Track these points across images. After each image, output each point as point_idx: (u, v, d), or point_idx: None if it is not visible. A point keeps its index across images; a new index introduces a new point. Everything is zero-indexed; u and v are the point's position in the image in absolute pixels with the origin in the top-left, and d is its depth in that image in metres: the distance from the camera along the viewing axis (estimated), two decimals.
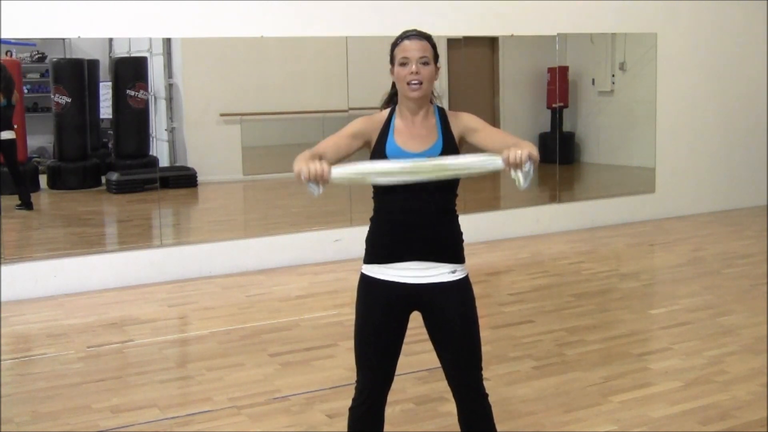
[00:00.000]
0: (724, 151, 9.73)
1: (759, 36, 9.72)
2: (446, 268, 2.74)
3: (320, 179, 2.50)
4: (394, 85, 2.80)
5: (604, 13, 8.83)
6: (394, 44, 2.75)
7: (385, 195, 2.73)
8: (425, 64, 2.70)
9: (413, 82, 2.69)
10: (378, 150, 2.73)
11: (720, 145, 9.70)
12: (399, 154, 2.70)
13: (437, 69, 2.75)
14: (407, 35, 2.73)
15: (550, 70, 9.28)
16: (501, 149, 2.58)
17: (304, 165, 2.50)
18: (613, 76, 9.80)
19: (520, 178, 2.49)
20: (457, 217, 2.79)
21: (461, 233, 2.80)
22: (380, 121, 2.78)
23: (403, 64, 2.70)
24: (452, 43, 8.25)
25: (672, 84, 9.26)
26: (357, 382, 2.84)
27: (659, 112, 9.25)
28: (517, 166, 2.47)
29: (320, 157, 2.62)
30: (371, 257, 2.78)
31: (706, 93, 9.53)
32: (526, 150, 2.47)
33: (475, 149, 2.72)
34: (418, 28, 2.78)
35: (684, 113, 9.41)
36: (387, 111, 2.81)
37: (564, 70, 9.55)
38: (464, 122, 2.78)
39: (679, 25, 9.25)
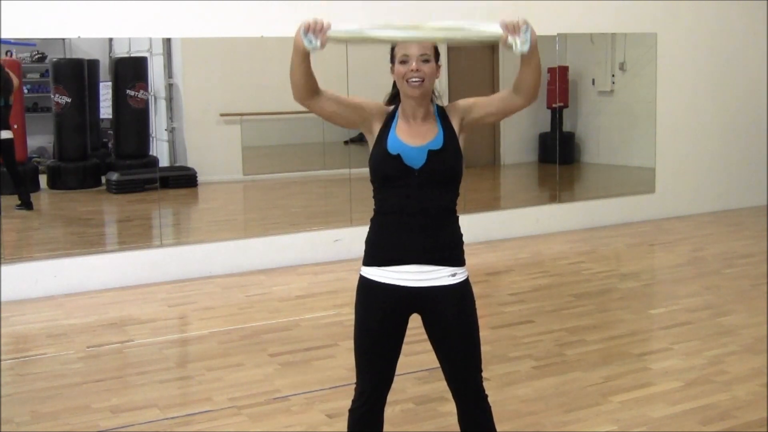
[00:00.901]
0: (724, 151, 9.73)
1: (759, 36, 9.72)
2: (446, 271, 2.73)
3: (319, 30, 2.53)
4: (395, 85, 2.80)
5: (604, 13, 8.82)
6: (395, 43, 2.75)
7: (384, 193, 2.72)
8: (426, 61, 2.69)
9: (414, 79, 2.68)
10: (379, 144, 2.72)
11: (720, 145, 9.70)
12: (400, 147, 2.69)
13: (438, 67, 2.74)
14: None
15: (550, 70, 9.28)
16: (496, 100, 2.73)
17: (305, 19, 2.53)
18: (613, 76, 9.80)
19: (517, 42, 2.51)
20: (457, 218, 2.78)
21: (461, 235, 2.79)
22: (386, 112, 2.78)
23: (403, 62, 2.70)
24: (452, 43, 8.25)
25: (672, 84, 9.26)
26: (357, 384, 2.83)
27: (659, 112, 9.25)
28: (515, 30, 2.50)
29: (320, 91, 2.69)
30: (371, 259, 2.76)
31: (706, 93, 9.53)
32: (523, 18, 2.51)
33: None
34: None
35: (684, 113, 9.41)
36: (391, 107, 2.81)
37: (564, 70, 9.55)
38: (460, 107, 2.79)
39: (679, 25, 9.25)
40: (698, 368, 4.67)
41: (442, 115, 2.77)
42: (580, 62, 9.89)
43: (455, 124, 2.76)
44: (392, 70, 2.75)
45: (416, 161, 2.68)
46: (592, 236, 8.47)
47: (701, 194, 9.59)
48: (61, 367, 4.88)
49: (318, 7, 7.42)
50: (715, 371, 4.62)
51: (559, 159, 9.19)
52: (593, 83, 9.99)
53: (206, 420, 4.07)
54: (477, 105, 2.78)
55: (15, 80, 7.59)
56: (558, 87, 9.52)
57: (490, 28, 2.55)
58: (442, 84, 2.86)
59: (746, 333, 5.29)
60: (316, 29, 2.55)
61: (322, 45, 2.56)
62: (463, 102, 2.80)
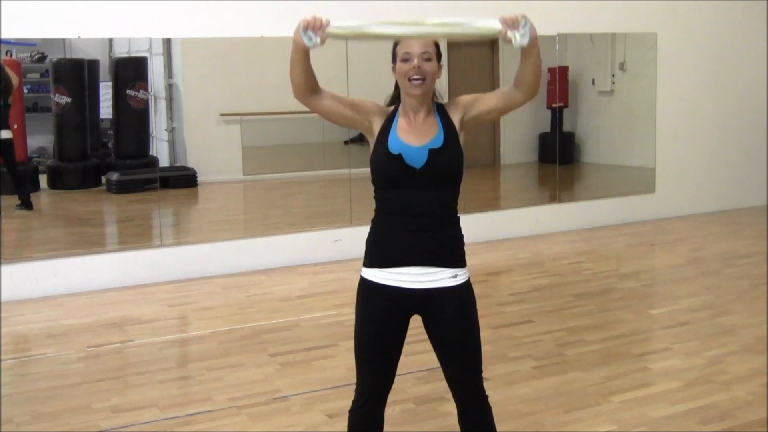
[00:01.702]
0: (724, 151, 9.73)
1: (759, 36, 9.71)
2: (447, 272, 2.72)
3: (318, 28, 2.55)
4: (396, 87, 2.79)
5: (604, 13, 8.82)
6: (396, 41, 2.74)
7: (386, 193, 2.72)
8: (428, 60, 2.69)
9: (415, 77, 2.68)
10: (380, 143, 2.72)
11: (720, 145, 9.70)
12: (401, 147, 2.68)
13: (440, 67, 2.74)
14: None
15: (550, 70, 9.28)
16: (498, 96, 2.74)
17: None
18: (613, 76, 9.80)
19: (517, 36, 2.53)
20: (458, 219, 2.78)
21: (462, 236, 2.78)
22: (386, 112, 2.78)
23: (405, 60, 2.69)
24: (452, 43, 8.25)
25: (672, 84, 9.26)
26: (357, 384, 2.83)
27: (659, 112, 9.25)
28: (514, 25, 2.52)
29: (319, 89, 2.71)
30: (371, 260, 2.76)
31: (706, 93, 9.53)
32: (522, 13, 2.54)
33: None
34: None
35: (684, 113, 9.41)
36: (392, 107, 2.81)
37: (564, 70, 9.55)
38: (461, 103, 2.79)
39: (679, 25, 9.25)
40: (698, 368, 4.67)
41: (443, 112, 2.77)
42: (580, 62, 9.89)
43: (456, 121, 2.75)
44: (394, 68, 2.75)
45: (417, 161, 2.67)
46: (592, 236, 8.47)
47: (701, 194, 9.59)
48: (61, 367, 4.88)
49: (318, 6, 7.44)
50: (715, 371, 4.62)
51: (559, 159, 9.19)
52: (593, 83, 9.99)
53: (206, 420, 4.07)
54: (478, 101, 2.78)
55: (15, 79, 7.58)
56: (558, 87, 9.52)
57: (489, 23, 2.57)
58: (442, 83, 2.85)
59: (746, 333, 5.29)
60: (315, 26, 2.56)
61: (322, 41, 2.58)
62: (464, 98, 2.80)
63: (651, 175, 9.30)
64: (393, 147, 2.69)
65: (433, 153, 2.68)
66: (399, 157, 2.68)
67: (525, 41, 2.53)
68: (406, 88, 2.71)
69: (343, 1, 7.42)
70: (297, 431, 3.95)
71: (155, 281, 6.79)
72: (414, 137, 2.71)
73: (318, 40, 2.56)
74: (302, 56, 2.63)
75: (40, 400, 4.38)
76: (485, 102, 2.78)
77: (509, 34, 2.53)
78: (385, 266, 2.72)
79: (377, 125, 2.76)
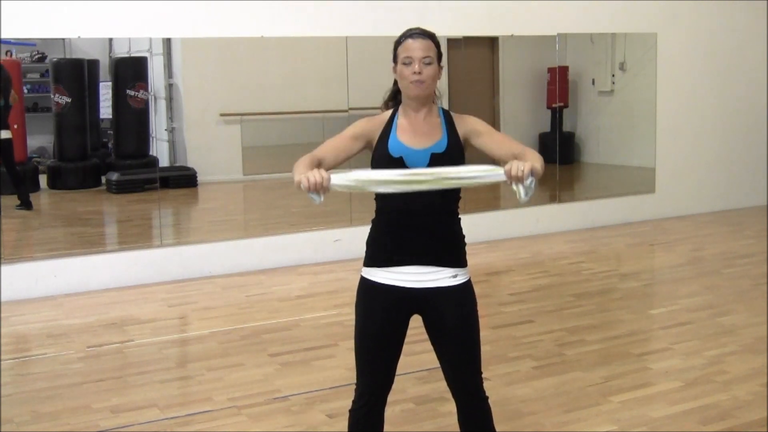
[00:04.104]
0: (724, 151, 9.73)
1: (759, 36, 9.72)
2: (448, 272, 2.72)
3: (320, 189, 2.49)
4: (395, 83, 2.79)
5: (604, 13, 8.83)
6: (398, 42, 2.74)
7: (386, 195, 2.71)
8: (428, 63, 2.69)
9: (416, 79, 2.68)
10: (381, 148, 2.71)
11: (720, 145, 9.70)
12: (402, 150, 2.68)
13: (440, 68, 2.74)
14: (411, 34, 2.72)
15: (550, 70, 9.28)
16: (506, 156, 2.60)
17: (303, 175, 2.49)
18: (613, 76, 9.80)
19: (521, 191, 2.49)
20: (459, 219, 2.78)
21: (463, 236, 2.78)
22: (382, 122, 2.77)
23: (406, 63, 2.69)
24: (452, 43, 8.25)
25: (672, 84, 9.26)
26: (357, 384, 2.83)
27: (659, 112, 9.26)
28: (519, 180, 2.47)
29: (319, 163, 2.64)
30: (372, 260, 2.76)
31: (706, 93, 9.53)
32: (528, 164, 2.45)
33: (478, 154, 2.72)
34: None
35: (684, 113, 9.41)
36: (389, 111, 2.80)
37: (564, 70, 9.55)
38: (470, 124, 2.76)
39: (679, 25, 9.25)
40: (698, 368, 4.67)
41: (448, 118, 2.76)
42: (580, 62, 9.88)
43: (460, 134, 2.74)
44: (394, 69, 2.75)
45: (419, 164, 2.66)
46: (592, 236, 8.47)
47: (701, 194, 9.60)
48: (61, 367, 4.88)
49: (318, 6, 7.45)
50: (715, 371, 4.62)
51: (559, 159, 9.18)
52: (593, 83, 9.99)
53: (206, 420, 4.07)
54: (484, 138, 2.74)
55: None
56: (558, 87, 9.53)
57: (495, 177, 2.52)
58: (442, 84, 2.85)
59: (746, 333, 5.29)
60: (317, 188, 2.50)
61: (325, 195, 2.54)
62: (475, 124, 2.77)
63: (651, 175, 9.31)
64: (393, 150, 2.69)
65: (435, 157, 2.67)
66: (400, 161, 2.67)
67: (527, 199, 2.49)
68: (407, 90, 2.71)
69: (344, 1, 7.44)
70: (297, 431, 3.95)
71: (155, 281, 6.79)
72: (415, 139, 2.71)
73: (322, 198, 2.53)
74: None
75: (40, 400, 4.37)
76: (490, 146, 2.73)
77: (514, 187, 2.49)
78: (385, 266, 2.72)
79: (376, 137, 2.75)
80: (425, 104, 2.74)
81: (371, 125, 2.77)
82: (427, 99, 2.74)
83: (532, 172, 2.45)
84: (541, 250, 7.92)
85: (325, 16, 7.38)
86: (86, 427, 4.02)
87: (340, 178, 2.52)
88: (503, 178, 2.49)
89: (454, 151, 2.70)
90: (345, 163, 2.76)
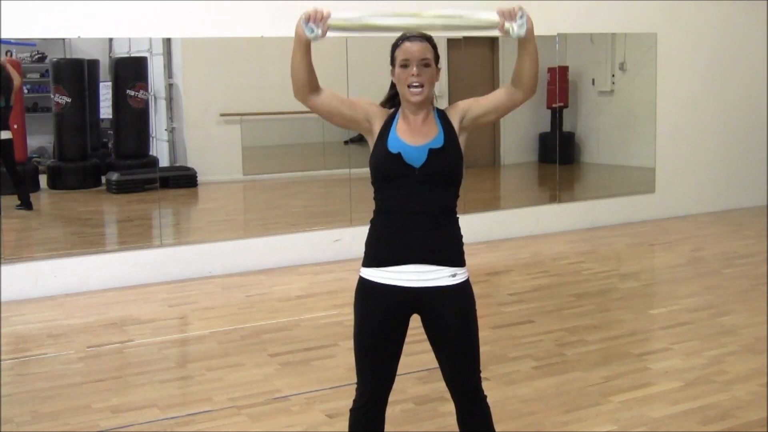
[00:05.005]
0: (724, 151, 9.73)
1: (759, 36, 9.72)
2: (446, 271, 2.72)
3: (320, 19, 2.58)
4: (393, 85, 2.80)
5: (604, 13, 8.82)
6: (395, 45, 2.74)
7: (385, 192, 2.72)
8: (426, 66, 2.70)
9: (414, 84, 2.69)
10: (380, 143, 2.73)
11: (720, 145, 9.70)
12: (401, 146, 2.69)
13: (438, 70, 2.74)
14: (408, 36, 2.72)
15: (550, 70, 9.27)
16: (497, 98, 2.75)
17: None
18: (613, 76, 9.80)
19: (513, 27, 2.58)
20: (457, 219, 2.78)
21: (461, 236, 2.79)
22: (384, 116, 2.79)
23: (404, 66, 2.70)
24: (452, 43, 8.25)
25: (672, 84, 9.26)
26: (357, 384, 2.83)
27: (659, 112, 9.26)
28: (511, 16, 2.57)
29: (318, 87, 2.73)
30: (370, 260, 2.76)
31: (706, 93, 9.53)
32: (518, 4, 2.59)
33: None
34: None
35: (684, 113, 9.41)
36: (393, 109, 2.81)
37: (564, 70, 9.55)
38: (459, 108, 2.80)
39: (679, 25, 9.25)
40: (698, 368, 4.67)
41: (443, 116, 2.78)
42: (580, 62, 9.89)
43: (455, 124, 2.76)
44: (392, 72, 2.76)
45: (417, 160, 2.68)
46: (592, 236, 8.47)
47: (701, 194, 9.59)
48: (61, 367, 4.88)
49: (317, 5, 7.45)
50: (715, 371, 4.62)
51: (559, 159, 9.19)
52: (593, 83, 9.99)
53: (206, 420, 4.07)
54: (476, 104, 2.79)
55: (17, 78, 7.57)
56: (558, 87, 9.52)
57: (487, 15, 2.61)
58: (442, 85, 2.86)
59: (746, 333, 5.29)
60: (317, 18, 2.60)
61: (323, 33, 2.62)
62: (463, 102, 2.82)
63: (651, 175, 9.31)
64: (392, 146, 2.70)
65: (432, 153, 2.69)
66: (398, 156, 2.68)
67: (522, 31, 2.57)
68: (406, 94, 2.72)
69: (344, 1, 7.43)
70: (297, 431, 3.95)
71: (155, 281, 6.79)
72: (413, 137, 2.72)
73: (319, 32, 2.60)
74: (304, 50, 2.65)
75: (40, 400, 4.38)
76: (483, 104, 2.79)
77: (506, 25, 2.57)
78: (383, 265, 2.73)
79: (377, 126, 2.76)
80: (423, 108, 2.75)
81: (377, 111, 2.79)
82: (426, 103, 2.74)
83: (522, 9, 2.57)
84: (541, 250, 7.92)
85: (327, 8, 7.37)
86: (86, 427, 4.02)
87: (341, 14, 2.62)
88: (497, 17, 2.59)
89: (451, 146, 2.72)
90: (327, 116, 2.80)
